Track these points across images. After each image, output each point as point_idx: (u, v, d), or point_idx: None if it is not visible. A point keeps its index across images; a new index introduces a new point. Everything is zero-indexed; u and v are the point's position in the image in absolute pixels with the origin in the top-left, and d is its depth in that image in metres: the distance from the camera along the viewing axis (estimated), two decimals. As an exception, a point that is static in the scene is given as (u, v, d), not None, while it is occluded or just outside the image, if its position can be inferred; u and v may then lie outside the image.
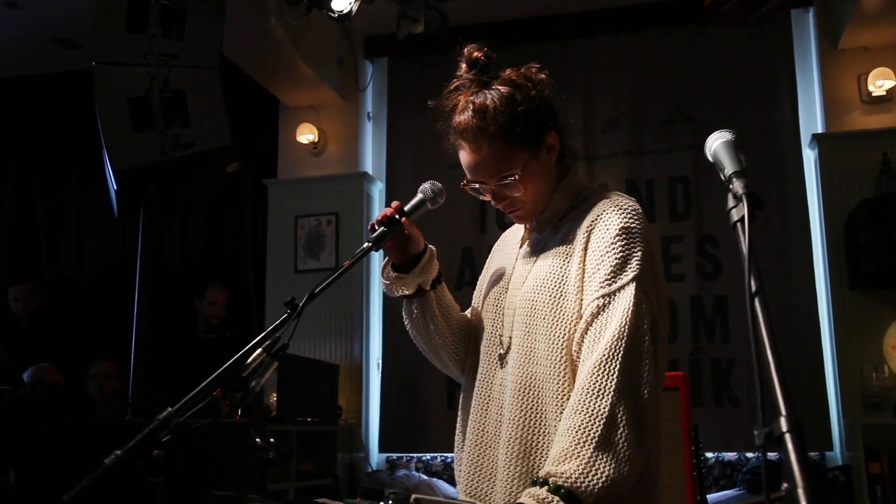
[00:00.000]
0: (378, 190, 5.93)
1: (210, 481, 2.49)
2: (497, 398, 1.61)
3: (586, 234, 1.55)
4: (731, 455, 4.97)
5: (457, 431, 1.73)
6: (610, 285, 1.47)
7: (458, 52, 1.66)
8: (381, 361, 5.60)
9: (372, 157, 5.99)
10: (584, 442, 1.35)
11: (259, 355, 1.45)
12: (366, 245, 1.62)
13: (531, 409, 1.52)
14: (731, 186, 1.15)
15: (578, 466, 1.33)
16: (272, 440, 2.87)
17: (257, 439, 2.75)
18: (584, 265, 1.53)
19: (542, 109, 1.61)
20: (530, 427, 1.52)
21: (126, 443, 1.31)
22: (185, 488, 1.89)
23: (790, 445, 0.85)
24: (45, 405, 3.62)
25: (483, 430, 1.62)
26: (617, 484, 1.33)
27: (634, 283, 1.46)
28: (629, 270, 1.48)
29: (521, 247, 1.72)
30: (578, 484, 1.32)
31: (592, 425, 1.35)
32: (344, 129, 5.93)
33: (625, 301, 1.45)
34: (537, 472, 1.48)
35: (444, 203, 1.75)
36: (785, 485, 0.82)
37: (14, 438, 2.98)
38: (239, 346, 1.47)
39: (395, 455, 5.49)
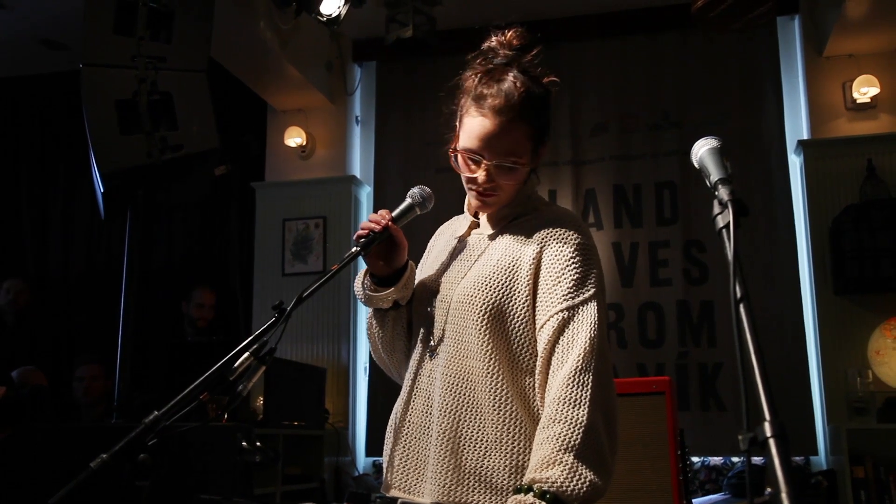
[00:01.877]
0: (366, 194, 5.92)
1: (196, 485, 2.48)
2: (424, 389, 1.61)
3: (539, 244, 1.58)
4: (716, 459, 5.00)
5: (390, 420, 1.72)
6: (573, 298, 1.51)
7: (493, 37, 1.70)
8: (368, 365, 5.59)
9: (360, 161, 5.99)
10: (565, 449, 1.38)
11: (247, 359, 1.46)
12: (354, 250, 1.62)
13: (464, 402, 1.54)
14: (716, 193, 1.17)
15: (562, 472, 1.36)
16: (259, 444, 2.86)
17: (244, 443, 2.74)
18: (536, 274, 1.56)
19: (551, 117, 1.67)
20: (463, 420, 1.53)
21: (112, 446, 1.30)
22: (171, 492, 1.88)
23: (774, 450, 0.86)
24: (29, 408, 3.60)
25: (409, 422, 1.62)
26: (598, 489, 1.37)
27: (595, 300, 1.52)
28: (590, 286, 1.54)
29: (459, 241, 1.72)
30: (564, 488, 1.35)
31: (572, 433, 1.39)
32: (332, 132, 5.92)
33: (590, 315, 1.50)
34: (470, 464, 1.50)
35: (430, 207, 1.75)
36: (769, 489, 0.83)
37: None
38: (225, 349, 1.47)
39: (381, 459, 5.47)
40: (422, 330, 1.67)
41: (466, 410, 1.53)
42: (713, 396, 5.04)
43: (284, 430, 4.53)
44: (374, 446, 5.45)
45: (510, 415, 1.51)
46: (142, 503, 1.33)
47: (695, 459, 4.95)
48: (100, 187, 3.04)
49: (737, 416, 4.92)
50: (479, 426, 1.52)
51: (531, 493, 1.35)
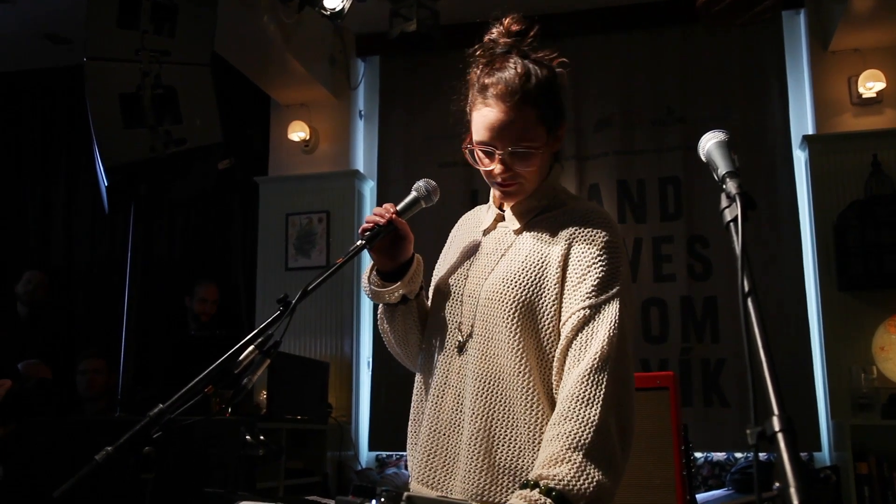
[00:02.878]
0: (369, 188, 5.92)
1: (200, 478, 2.48)
2: (455, 385, 1.59)
3: (567, 242, 1.56)
4: (720, 455, 4.99)
5: (412, 414, 1.71)
6: (597, 297, 1.50)
7: (491, 27, 1.67)
8: (371, 359, 5.60)
9: (363, 156, 5.98)
10: (574, 448, 1.36)
11: (251, 352, 1.45)
12: (359, 243, 1.61)
13: (497, 402, 1.53)
14: (724, 186, 1.16)
15: (570, 470, 1.35)
16: (262, 438, 2.86)
17: (247, 437, 2.75)
18: (563, 273, 1.54)
19: (564, 99, 1.65)
20: (496, 420, 1.52)
21: (116, 439, 1.30)
22: (176, 485, 1.89)
23: (782, 445, 0.85)
24: (33, 401, 3.61)
25: (439, 419, 1.61)
26: (606, 489, 1.36)
27: (619, 299, 1.50)
28: (615, 284, 1.52)
29: (485, 235, 1.71)
30: (570, 487, 1.34)
31: (583, 432, 1.38)
32: (335, 126, 5.92)
33: (611, 314, 1.48)
34: (504, 464, 1.49)
35: (435, 200, 1.75)
36: (777, 484, 0.83)
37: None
38: (229, 343, 1.47)
39: (384, 453, 5.49)
40: (447, 324, 1.65)
41: (498, 410, 1.52)
42: (716, 392, 5.03)
43: (287, 423, 4.54)
44: (377, 441, 5.45)
45: (542, 414, 1.49)
46: (146, 496, 1.33)
47: (697, 455, 4.94)
48: (104, 181, 3.04)
49: (740, 412, 4.92)
50: (511, 426, 1.51)
51: (537, 490, 1.34)
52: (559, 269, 1.54)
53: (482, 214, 1.77)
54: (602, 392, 1.40)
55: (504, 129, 1.55)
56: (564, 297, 1.53)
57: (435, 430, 1.60)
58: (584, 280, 1.51)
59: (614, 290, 1.51)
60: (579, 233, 1.57)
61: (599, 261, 1.53)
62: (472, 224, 1.79)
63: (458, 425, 1.57)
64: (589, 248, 1.54)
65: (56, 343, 5.56)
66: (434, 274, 1.77)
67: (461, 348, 1.60)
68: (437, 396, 1.62)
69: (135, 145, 2.95)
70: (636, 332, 5.22)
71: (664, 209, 5.34)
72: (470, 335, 1.59)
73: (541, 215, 1.65)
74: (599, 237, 1.55)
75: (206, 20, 3.20)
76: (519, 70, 1.56)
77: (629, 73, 5.55)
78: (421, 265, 1.70)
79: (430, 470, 1.59)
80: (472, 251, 1.70)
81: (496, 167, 1.58)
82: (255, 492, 3.01)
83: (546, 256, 1.57)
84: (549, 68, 1.62)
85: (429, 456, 1.60)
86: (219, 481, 2.55)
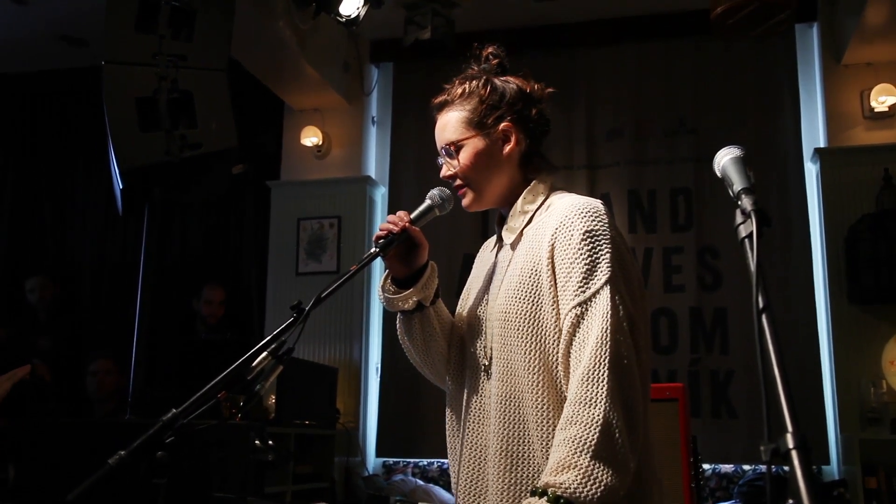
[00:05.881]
0: (381, 194, 5.93)
1: (211, 483, 2.49)
2: (488, 409, 1.62)
3: (550, 243, 1.56)
4: (727, 467, 4.97)
5: (448, 437, 1.73)
6: (584, 292, 1.48)
7: (474, 55, 1.77)
8: (379, 366, 5.60)
9: (375, 162, 6.00)
10: (580, 451, 1.36)
11: (264, 359, 1.46)
12: (373, 250, 1.62)
13: (514, 420, 1.54)
14: (739, 203, 1.16)
15: (577, 476, 1.35)
16: (271, 442, 2.87)
17: (257, 441, 2.75)
18: (553, 276, 1.54)
19: (509, 103, 1.69)
20: (514, 438, 1.54)
21: (127, 442, 1.31)
22: (188, 490, 1.90)
23: (796, 462, 0.86)
24: (29, 401, 3.62)
25: (477, 443, 1.63)
26: (615, 490, 1.36)
27: (608, 287, 1.47)
28: (600, 274, 1.48)
29: (496, 255, 1.74)
30: (578, 493, 1.34)
31: (588, 434, 1.37)
32: (348, 132, 5.94)
33: (601, 306, 1.45)
34: (525, 482, 1.51)
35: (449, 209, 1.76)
36: (790, 501, 0.83)
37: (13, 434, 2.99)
38: (239, 347, 1.47)
39: (391, 460, 5.49)
40: (472, 348, 1.68)
41: (515, 429, 1.54)
42: (725, 404, 5.02)
43: (296, 429, 4.54)
44: (384, 447, 5.46)
45: (554, 430, 1.48)
46: (159, 501, 1.33)
47: (706, 467, 4.93)
48: (119, 184, 3.06)
49: (748, 423, 4.90)
50: (528, 444, 1.53)
51: (545, 498, 1.35)
52: (549, 273, 1.54)
53: (494, 237, 1.81)
54: (604, 388, 1.39)
55: (437, 135, 1.72)
56: (559, 299, 1.52)
57: (476, 457, 1.63)
58: (570, 278, 1.50)
59: (602, 281, 1.47)
60: (559, 230, 1.55)
61: (580, 254, 1.50)
62: (488, 248, 1.84)
63: (485, 446, 1.60)
64: (568, 244, 1.52)
65: (73, 342, 5.60)
66: (461, 299, 1.81)
67: (487, 371, 1.63)
68: (477, 422, 1.64)
69: (150, 149, 2.97)
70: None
71: (675, 220, 5.34)
72: (491, 357, 1.61)
73: (530, 223, 1.66)
74: (577, 229, 1.52)
75: (223, 25, 3.22)
76: (458, 82, 1.71)
77: (642, 83, 5.55)
78: (435, 271, 1.71)
79: (472, 495, 1.63)
80: (485, 273, 1.75)
81: (441, 170, 1.72)
82: (263, 496, 3.02)
83: (537, 264, 1.57)
84: (492, 76, 1.71)
85: (471, 481, 1.63)
86: (228, 486, 2.56)
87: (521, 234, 1.66)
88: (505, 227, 1.70)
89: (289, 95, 5.82)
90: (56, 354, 4.96)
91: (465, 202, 1.72)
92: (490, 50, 1.75)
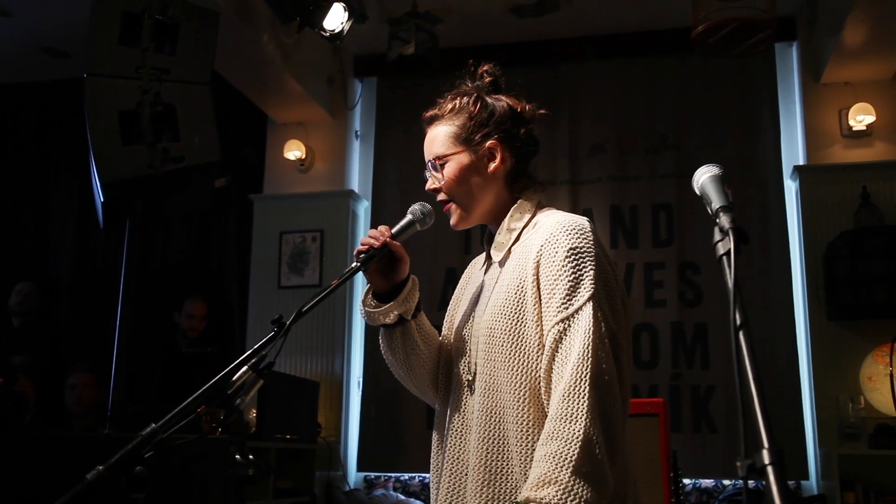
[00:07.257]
0: (364, 208, 5.94)
1: (191, 498, 2.47)
2: (469, 424, 1.63)
3: (536, 260, 1.57)
4: (708, 482, 4.99)
5: (432, 454, 1.74)
6: (566, 308, 1.49)
7: (469, 71, 1.81)
8: (361, 380, 5.59)
9: (359, 176, 6.01)
10: (561, 467, 1.37)
11: (245, 373, 1.46)
12: (354, 265, 1.63)
13: (495, 436, 1.55)
14: (717, 220, 1.18)
15: (558, 491, 1.35)
16: (251, 457, 2.86)
17: (237, 456, 2.74)
18: (538, 292, 1.55)
19: (498, 121, 1.71)
20: (494, 453, 1.55)
21: (105, 457, 1.30)
22: (167, 505, 1.88)
23: (772, 477, 0.87)
24: (7, 415, 3.58)
25: (459, 458, 1.64)
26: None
27: (591, 303, 1.48)
28: (583, 291, 1.49)
29: (485, 273, 1.76)
30: None
31: (569, 450, 1.37)
32: (331, 146, 5.94)
33: (584, 323, 1.46)
34: (503, 497, 1.51)
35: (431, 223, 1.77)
36: (766, 516, 0.84)
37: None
38: (220, 360, 1.47)
39: (372, 474, 5.47)
40: (457, 365, 1.69)
41: (496, 444, 1.55)
42: (705, 419, 5.05)
43: (276, 443, 4.52)
44: (365, 461, 5.44)
45: (534, 447, 1.49)
46: (137, 516, 1.33)
47: (686, 481, 4.94)
48: (99, 197, 3.04)
49: (728, 438, 4.93)
50: (507, 459, 1.54)
51: None
52: (534, 289, 1.56)
53: (483, 255, 1.82)
54: (585, 404, 1.40)
55: (425, 148, 1.76)
56: (542, 315, 1.54)
57: (456, 471, 1.64)
58: (553, 295, 1.51)
59: (585, 297, 1.48)
60: (544, 247, 1.57)
61: (564, 271, 1.52)
62: (476, 264, 1.85)
63: (466, 462, 1.61)
64: (553, 260, 1.54)
65: (48, 355, 5.54)
66: (447, 316, 1.82)
67: (471, 387, 1.64)
68: (458, 436, 1.65)
69: (133, 162, 2.95)
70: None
71: (656, 235, 5.38)
72: (475, 373, 1.62)
73: (518, 241, 1.67)
74: (562, 246, 1.54)
75: (207, 39, 3.21)
76: (448, 98, 1.75)
77: (625, 99, 5.60)
78: (416, 285, 1.72)
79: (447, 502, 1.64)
80: (472, 291, 1.76)
81: (427, 183, 1.75)
82: (242, 511, 3.00)
83: (522, 282, 1.58)
84: (482, 94, 1.74)
85: (451, 495, 1.63)
86: (208, 501, 2.55)
87: (509, 251, 1.68)
88: (493, 245, 1.71)
89: (272, 109, 5.83)
90: (32, 368, 4.90)
91: (452, 221, 1.73)
92: (485, 68, 1.78)
